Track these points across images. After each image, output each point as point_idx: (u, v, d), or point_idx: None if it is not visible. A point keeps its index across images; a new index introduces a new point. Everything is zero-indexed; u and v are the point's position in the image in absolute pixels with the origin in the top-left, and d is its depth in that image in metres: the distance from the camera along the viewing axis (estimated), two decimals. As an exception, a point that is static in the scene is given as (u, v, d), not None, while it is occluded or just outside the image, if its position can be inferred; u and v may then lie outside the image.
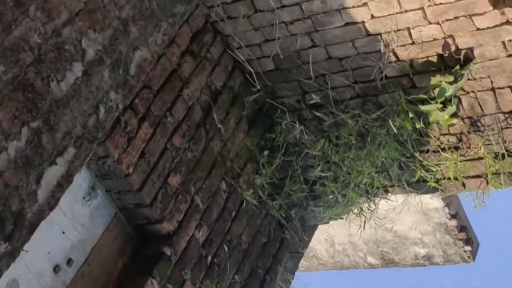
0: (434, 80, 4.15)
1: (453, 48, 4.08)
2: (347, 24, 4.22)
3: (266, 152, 4.68)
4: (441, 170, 4.49)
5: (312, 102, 4.57)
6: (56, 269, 3.72)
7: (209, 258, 4.29)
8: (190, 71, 4.29)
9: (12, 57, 3.34)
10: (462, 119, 4.30)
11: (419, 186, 4.62)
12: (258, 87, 4.59)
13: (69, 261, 3.79)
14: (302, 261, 5.36)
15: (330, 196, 4.72)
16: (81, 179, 3.87)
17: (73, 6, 3.65)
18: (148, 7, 4.05)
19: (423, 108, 4.25)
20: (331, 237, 7.18)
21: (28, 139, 3.38)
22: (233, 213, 4.48)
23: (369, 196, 4.76)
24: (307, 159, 4.73)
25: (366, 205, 4.81)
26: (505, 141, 4.25)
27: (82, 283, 3.84)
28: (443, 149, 4.43)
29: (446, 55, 4.12)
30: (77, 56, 3.64)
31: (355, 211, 4.82)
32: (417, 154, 4.47)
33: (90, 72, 3.69)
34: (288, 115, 4.66)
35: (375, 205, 4.83)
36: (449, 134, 4.39)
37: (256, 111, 4.69)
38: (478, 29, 3.96)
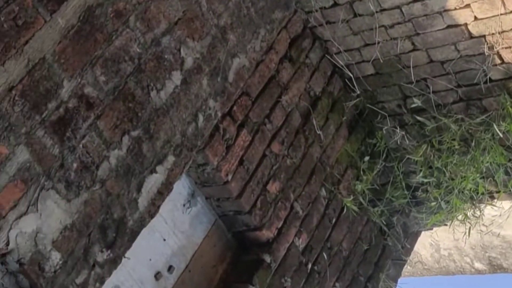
0: (542, 82, 4.01)
1: (561, 49, 3.93)
2: (449, 26, 4.12)
3: (366, 158, 4.61)
4: (550, 176, 4.34)
5: (413, 106, 4.48)
6: (157, 276, 3.76)
7: (309, 266, 4.25)
8: (288, 77, 4.28)
9: (113, 67, 3.40)
10: None
11: (527, 192, 4.48)
12: (358, 92, 4.53)
13: (170, 268, 3.83)
14: (407, 266, 5.27)
15: (433, 203, 4.61)
16: (181, 187, 3.91)
17: (172, 15, 3.68)
18: (246, 14, 4.06)
19: (530, 111, 4.11)
20: (436, 242, 7.02)
21: (129, 147, 3.43)
22: (333, 220, 4.44)
23: (474, 202, 4.64)
24: (409, 165, 4.64)
25: (471, 211, 4.68)
26: None
27: (183, 289, 3.88)
28: (552, 154, 4.27)
29: (554, 56, 3.98)
30: (176, 64, 3.67)
31: (459, 217, 4.70)
32: (524, 160, 4.33)
33: (189, 81, 3.72)
34: (388, 120, 4.59)
35: (480, 211, 4.69)
36: (559, 137, 4.23)
37: (356, 117, 4.63)
38: None
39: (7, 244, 2.98)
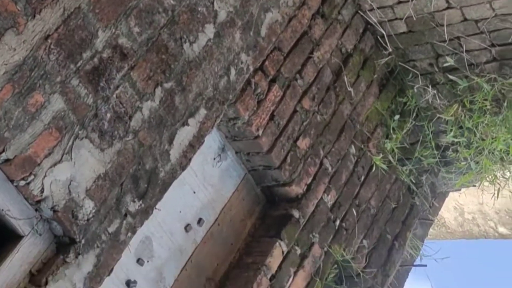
0: None
1: None
2: (485, -16, 4.07)
3: (397, 116, 4.59)
4: None
5: (445, 65, 4.44)
6: (187, 228, 3.79)
7: (337, 222, 4.27)
8: (320, 33, 4.25)
9: (146, 18, 3.39)
10: None
11: (558, 154, 4.44)
12: (390, 50, 4.50)
13: (200, 221, 3.85)
14: (430, 229, 5.26)
15: (463, 163, 4.60)
16: (212, 140, 3.92)
17: (206, -33, 3.66)
18: (280, -32, 4.03)
19: None
20: (460, 206, 7.02)
21: (161, 99, 3.44)
22: (362, 178, 4.44)
23: (504, 163, 4.61)
24: (439, 124, 4.62)
25: (501, 172, 4.66)
26: None
27: (212, 242, 3.91)
28: None
29: None
30: (209, 17, 3.66)
31: (489, 178, 4.68)
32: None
33: (222, 34, 3.71)
34: (420, 78, 4.56)
35: (510, 173, 4.67)
36: None
37: (387, 75, 4.61)
38: None
39: (42, 191, 3.01)
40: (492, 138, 4.44)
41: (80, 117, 3.14)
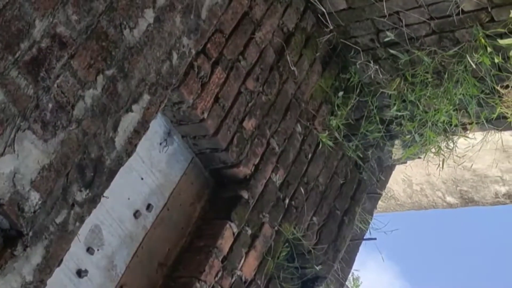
0: (514, 12, 4.01)
1: (533, -22, 3.93)
2: (420, -42, 4.11)
3: (340, 93, 4.62)
4: (522, 106, 4.38)
5: (386, 40, 4.48)
6: (136, 214, 3.79)
7: (287, 201, 4.30)
8: (261, 13, 4.25)
9: (84, 6, 3.35)
10: (544, 51, 4.16)
11: (499, 122, 4.52)
12: (331, 27, 4.52)
13: (149, 206, 3.85)
14: (380, 202, 5.33)
15: (407, 136, 4.65)
16: (157, 126, 3.91)
17: (143, -48, 3.63)
18: (217, -50, 4.01)
19: (502, 42, 4.12)
20: (408, 178, 7.09)
21: (104, 87, 3.41)
22: (309, 155, 4.47)
23: (447, 134, 4.68)
24: (383, 99, 4.66)
25: (444, 143, 4.73)
26: None
27: (162, 227, 3.91)
28: (524, 84, 4.31)
29: (525, -14, 3.98)
30: (148, 2, 3.63)
31: (433, 150, 4.75)
32: (497, 90, 4.35)
33: (162, 18, 3.69)
34: (362, 54, 4.59)
35: (453, 143, 4.74)
36: (530, 67, 4.26)
37: (330, 52, 4.63)
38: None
39: (-14, 185, 2.98)
40: (435, 110, 4.50)
41: (21, 109, 3.10)
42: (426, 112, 4.53)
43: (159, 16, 3.67)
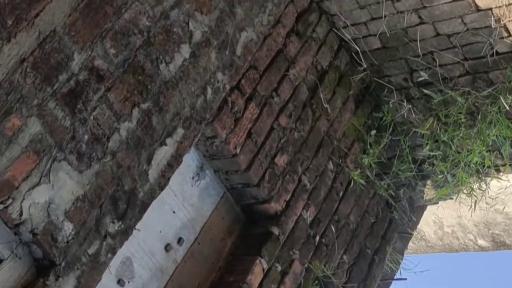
0: (549, 55, 4.02)
1: None
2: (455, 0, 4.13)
3: (373, 132, 4.63)
4: (556, 149, 4.36)
5: (420, 80, 4.49)
6: (167, 247, 3.80)
7: (317, 238, 4.29)
8: (295, 51, 4.29)
9: (122, 40, 3.41)
10: None
11: (533, 165, 4.50)
12: (365, 66, 4.55)
13: (180, 240, 3.86)
14: (410, 243, 5.29)
15: (439, 176, 4.63)
16: (190, 160, 3.93)
17: (180, -12, 3.69)
18: (254, -13, 4.07)
19: (536, 84, 4.12)
20: (439, 219, 7.04)
21: (139, 120, 3.45)
22: (341, 193, 4.46)
23: (480, 175, 4.66)
24: (415, 138, 4.66)
25: (477, 185, 4.71)
26: None
27: (192, 261, 3.91)
28: (559, 126, 4.29)
29: (561, 28, 3.98)
30: (184, 38, 3.68)
31: (465, 191, 4.72)
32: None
33: (198, 54, 3.73)
34: (395, 93, 4.60)
35: (486, 185, 4.71)
36: None
37: (363, 90, 4.65)
38: None
39: (21, 214, 3.01)
40: (468, 151, 4.49)
41: (58, 140, 3.14)
42: (458, 153, 4.52)
43: (195, 51, 3.72)
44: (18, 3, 3.03)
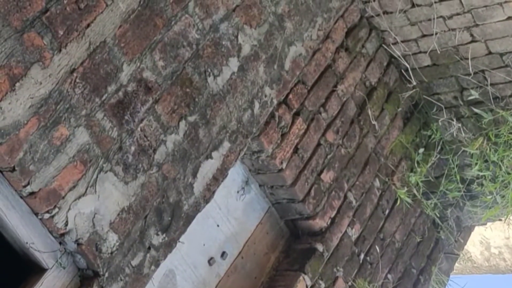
0: None
1: None
2: (509, 18, 4.07)
3: (421, 150, 4.57)
4: None
5: (470, 98, 4.43)
6: (210, 261, 3.78)
7: (362, 256, 4.24)
8: (344, 66, 4.26)
9: (171, 52, 3.42)
10: None
11: None
12: (414, 83, 4.50)
13: (223, 254, 3.84)
14: (456, 264, 5.20)
15: (488, 197, 4.56)
16: (235, 174, 3.92)
17: (230, 2, 3.69)
18: (304, 2, 4.05)
19: None
20: (486, 240, 6.94)
21: (185, 132, 3.45)
22: (387, 211, 4.41)
23: (529, 197, 4.57)
24: (464, 158, 4.59)
25: (527, 206, 4.62)
26: None
27: (235, 276, 3.89)
28: None
29: None
30: (233, 51, 3.68)
31: (515, 212, 4.64)
32: None
33: (246, 67, 3.73)
34: (444, 111, 4.55)
35: (536, 206, 4.62)
36: None
37: (411, 108, 4.60)
38: None
39: (66, 224, 3.02)
40: (518, 172, 4.42)
41: (105, 150, 3.15)
42: (508, 174, 4.45)
43: (243, 65, 3.71)
44: (69, 14, 3.06)
